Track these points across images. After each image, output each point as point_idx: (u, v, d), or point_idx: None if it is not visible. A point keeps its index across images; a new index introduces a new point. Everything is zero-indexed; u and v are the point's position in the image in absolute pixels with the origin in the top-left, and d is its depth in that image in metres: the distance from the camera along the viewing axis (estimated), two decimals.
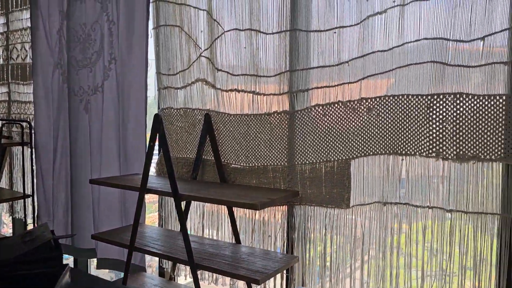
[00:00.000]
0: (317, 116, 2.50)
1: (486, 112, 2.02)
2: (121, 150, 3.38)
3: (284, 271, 2.70)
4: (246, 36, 2.73)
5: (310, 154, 2.53)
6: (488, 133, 2.02)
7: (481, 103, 2.02)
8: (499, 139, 1.99)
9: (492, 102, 2.00)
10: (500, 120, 1.99)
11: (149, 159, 2.61)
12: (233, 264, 2.40)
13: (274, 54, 2.65)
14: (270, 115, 2.67)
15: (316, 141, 2.51)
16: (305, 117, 2.54)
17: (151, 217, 4.41)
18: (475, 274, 2.09)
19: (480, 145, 2.04)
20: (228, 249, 2.68)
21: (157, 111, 3.25)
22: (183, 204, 2.94)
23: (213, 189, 2.61)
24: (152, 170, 3.29)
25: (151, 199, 4.13)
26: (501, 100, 1.98)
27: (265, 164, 2.71)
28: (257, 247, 2.80)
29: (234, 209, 2.85)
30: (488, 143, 2.02)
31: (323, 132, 2.48)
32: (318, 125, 2.50)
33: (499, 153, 1.99)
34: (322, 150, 2.49)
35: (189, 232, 3.16)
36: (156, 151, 3.07)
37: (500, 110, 1.98)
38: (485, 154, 2.02)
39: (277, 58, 2.64)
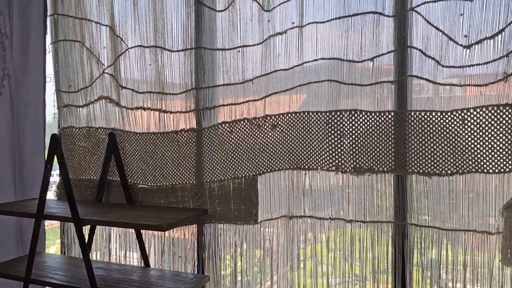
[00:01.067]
0: (224, 133, 2.51)
1: (378, 127, 2.17)
2: (17, 174, 3.12)
3: None
4: (151, 53, 2.69)
5: (218, 171, 2.54)
6: (380, 147, 2.17)
7: (373, 119, 2.17)
8: (390, 152, 2.15)
9: (382, 118, 2.16)
10: (390, 134, 2.15)
11: (45, 182, 2.43)
12: None
13: (180, 71, 2.63)
14: (177, 133, 2.63)
15: (223, 158, 2.51)
16: (212, 135, 2.54)
17: (58, 244, 4.10)
18: (374, 279, 2.22)
19: (374, 158, 2.18)
20: (136, 273, 2.57)
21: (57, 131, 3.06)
22: (87, 228, 2.78)
23: (119, 211, 2.50)
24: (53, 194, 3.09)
25: (56, 225, 3.85)
26: (390, 116, 2.14)
27: (174, 183, 2.66)
28: (167, 269, 2.72)
29: (142, 230, 2.75)
30: (381, 156, 2.17)
31: (230, 149, 2.50)
32: (225, 142, 2.51)
33: (390, 165, 2.15)
34: (230, 167, 2.50)
35: (95, 258, 2.99)
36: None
37: (390, 125, 2.15)
38: (378, 166, 2.17)
39: (183, 76, 2.62)
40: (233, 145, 2.49)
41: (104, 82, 2.85)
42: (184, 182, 2.63)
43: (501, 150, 1.96)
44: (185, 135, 2.61)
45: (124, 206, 2.70)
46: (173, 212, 2.45)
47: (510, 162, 1.95)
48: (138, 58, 2.73)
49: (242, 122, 2.46)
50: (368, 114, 2.18)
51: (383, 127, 2.16)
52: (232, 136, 2.49)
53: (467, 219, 2.05)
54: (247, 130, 2.45)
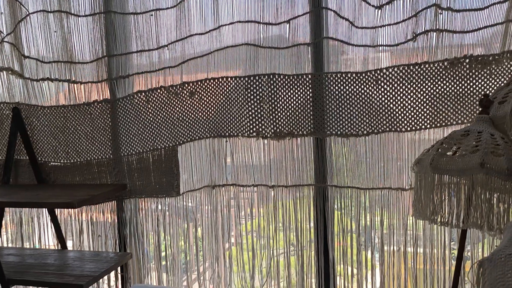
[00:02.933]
0: (140, 103, 2.38)
1: (296, 91, 2.15)
2: None
3: (119, 271, 2.54)
4: (55, 18, 2.46)
5: (136, 143, 2.41)
6: (299, 110, 2.16)
7: (291, 82, 2.15)
8: (309, 115, 2.15)
9: (300, 81, 2.14)
10: (308, 97, 2.14)
11: None
12: (56, 273, 2.15)
13: (89, 38, 2.44)
14: (90, 105, 2.45)
15: (141, 129, 2.39)
16: (127, 105, 2.39)
17: None
18: (298, 243, 2.24)
19: (293, 122, 2.16)
20: (51, 256, 2.41)
21: None
22: None
23: (28, 192, 2.30)
24: None
25: None
26: (307, 79, 2.13)
27: (88, 158, 2.49)
28: (87, 250, 2.57)
29: (57, 211, 2.57)
30: (300, 119, 2.16)
31: (147, 120, 2.37)
32: (142, 112, 2.38)
33: (309, 128, 2.15)
34: (148, 138, 2.38)
35: (5, 245, 2.76)
36: None
37: (307, 88, 2.14)
38: (298, 130, 2.16)
39: (92, 43, 2.43)
40: (150, 115, 2.37)
41: (4, 52, 2.58)
42: (100, 157, 2.47)
43: (412, 109, 2.02)
44: (98, 106, 2.44)
45: (34, 187, 2.49)
46: (87, 189, 2.30)
47: (421, 120, 2.02)
48: (42, 25, 2.49)
49: (158, 91, 2.34)
50: (286, 77, 2.15)
51: (301, 91, 2.15)
52: (149, 106, 2.36)
53: (383, 178, 2.11)
54: (164, 98, 2.34)
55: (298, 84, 2.14)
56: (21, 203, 2.10)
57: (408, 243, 2.13)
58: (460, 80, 1.94)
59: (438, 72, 1.96)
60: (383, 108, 2.05)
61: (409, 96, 2.02)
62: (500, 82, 1.89)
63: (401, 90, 2.02)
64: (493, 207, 1.56)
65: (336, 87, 2.10)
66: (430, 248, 2.08)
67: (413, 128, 2.03)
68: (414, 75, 1.99)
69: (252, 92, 2.20)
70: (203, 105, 2.29)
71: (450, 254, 2.06)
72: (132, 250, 2.47)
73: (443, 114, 1.98)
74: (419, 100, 2.01)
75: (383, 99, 2.05)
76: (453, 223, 1.65)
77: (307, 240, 2.23)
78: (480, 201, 1.57)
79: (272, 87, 2.18)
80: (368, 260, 2.17)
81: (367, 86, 2.06)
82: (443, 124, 1.99)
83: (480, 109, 1.66)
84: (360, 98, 2.07)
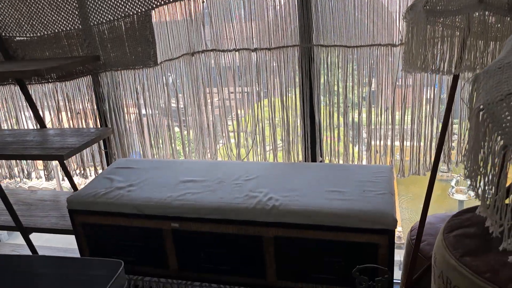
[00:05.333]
0: None
1: None
2: None
3: (103, 148, 2.50)
4: None
5: (106, 10, 2.20)
6: None
7: None
8: None
9: None
10: None
11: None
12: (36, 147, 2.09)
13: None
14: None
15: None
16: None
17: None
18: (283, 105, 2.16)
19: None
20: (31, 135, 2.33)
21: None
22: None
23: None
24: None
25: None
26: None
27: (56, 30, 2.30)
28: (67, 128, 2.50)
29: (30, 89, 2.44)
30: None
31: None
32: None
33: None
34: (118, 4, 2.17)
35: None
36: None
37: None
38: None
39: None
40: None
41: None
42: (68, 28, 2.28)
43: None
44: None
45: (1, 63, 2.33)
46: (58, 61, 2.15)
47: None
48: None
49: None
50: None
51: None
52: None
53: (372, 35, 1.98)
54: None
55: None
56: None
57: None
58: None
59: None
60: None
61: None
62: None
63: None
64: (489, 47, 1.46)
65: None
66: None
67: None
68: None
69: None
70: None
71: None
72: (113, 125, 2.40)
73: None
74: None
75: None
76: (445, 69, 1.56)
77: (293, 106, 2.16)
78: (476, 42, 1.47)
79: None
80: (354, 121, 2.12)
81: None
82: None
83: None
84: None
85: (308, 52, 2.04)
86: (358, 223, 1.55)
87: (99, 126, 2.43)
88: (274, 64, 2.11)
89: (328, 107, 2.12)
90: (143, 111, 2.37)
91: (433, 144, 2.04)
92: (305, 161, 2.22)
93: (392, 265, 1.56)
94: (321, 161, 2.22)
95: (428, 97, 2.01)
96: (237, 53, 2.14)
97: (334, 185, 1.76)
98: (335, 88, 2.09)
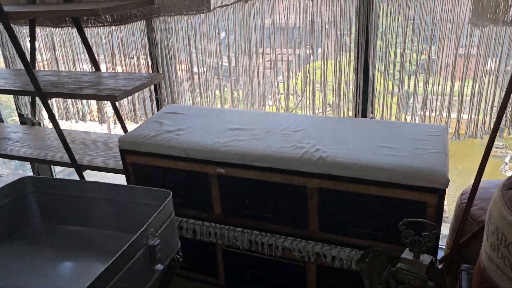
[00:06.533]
0: None
1: None
2: None
3: (153, 94, 2.54)
4: None
5: None
6: None
7: None
8: None
9: None
10: None
11: None
12: (91, 87, 2.15)
13: None
14: None
15: None
16: None
17: None
18: (336, 57, 2.09)
19: None
20: (86, 76, 2.40)
21: None
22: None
23: (52, 6, 2.20)
24: None
25: None
26: None
27: None
28: (120, 72, 2.55)
29: (87, 32, 2.49)
30: None
31: None
32: None
33: None
34: None
35: (42, 68, 2.79)
36: None
37: None
38: None
39: None
40: None
41: None
42: None
43: None
44: None
45: (60, 3, 2.38)
46: (114, 2, 2.16)
47: None
48: None
49: None
50: None
51: None
52: None
53: None
54: None
55: None
56: (46, 12, 2.01)
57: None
58: None
59: None
60: None
61: None
62: None
63: None
64: None
65: None
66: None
67: None
68: None
69: None
70: None
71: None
72: (165, 72, 2.42)
73: None
74: None
75: None
76: None
77: (346, 60, 2.08)
78: None
79: None
80: (411, 80, 2.02)
81: None
82: None
83: None
84: None
85: (367, 1, 1.94)
86: (407, 180, 1.50)
87: (151, 72, 2.46)
88: (330, 14, 2.02)
89: (384, 59, 2.02)
90: (194, 59, 2.37)
91: (494, 109, 1.92)
92: (355, 117, 2.16)
93: (440, 225, 1.52)
94: (371, 118, 2.15)
95: (492, 68, 1.87)
96: (291, 0, 2.07)
97: (384, 141, 1.70)
98: (393, 41, 1.98)
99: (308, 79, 2.19)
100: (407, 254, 1.34)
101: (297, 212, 1.72)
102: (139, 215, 1.01)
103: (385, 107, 2.12)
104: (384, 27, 1.97)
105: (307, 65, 2.16)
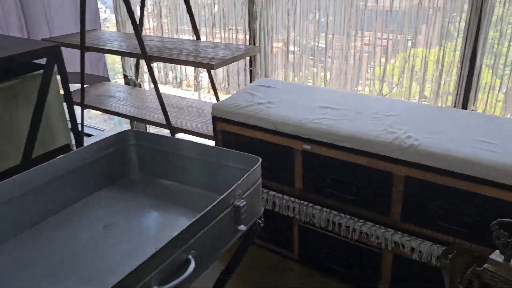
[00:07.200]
0: None
1: None
2: None
3: (248, 66, 2.60)
4: None
5: None
6: None
7: None
8: None
9: None
10: None
11: None
12: (190, 55, 2.26)
13: None
14: None
15: None
16: None
17: None
18: (440, 42, 1.97)
19: None
20: (187, 44, 2.52)
21: None
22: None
23: None
24: None
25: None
26: None
27: None
28: (219, 42, 2.64)
29: (192, 1, 2.60)
30: None
31: None
32: None
33: None
34: None
35: (148, 34, 2.97)
36: None
37: None
38: None
39: None
40: None
41: None
42: None
43: None
44: None
45: None
46: None
47: None
48: None
49: None
50: None
51: None
52: None
53: None
54: None
55: None
56: None
57: None
58: None
59: None
60: None
61: None
62: None
63: None
64: None
65: None
66: None
67: None
68: None
69: None
70: None
71: None
72: (261, 45, 2.46)
73: None
74: None
75: None
76: None
77: (452, 45, 1.95)
78: None
79: None
80: None
81: None
82: None
83: None
84: None
85: None
86: (505, 179, 1.40)
87: (248, 44, 2.51)
88: None
89: (493, 52, 1.87)
90: (291, 34, 2.37)
91: None
92: (455, 107, 2.04)
93: None
94: (473, 110, 2.01)
95: None
96: None
97: (485, 135, 1.59)
98: (508, 31, 1.82)
99: (407, 64, 2.09)
100: (496, 256, 1.26)
101: (379, 198, 1.68)
102: (228, 178, 1.06)
103: (489, 102, 1.97)
104: (499, 15, 1.82)
105: (407, 51, 2.07)
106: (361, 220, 1.76)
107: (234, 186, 0.97)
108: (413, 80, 2.11)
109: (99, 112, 4.19)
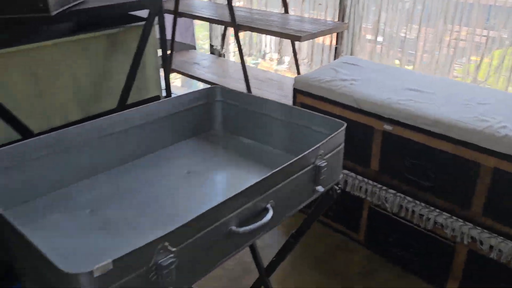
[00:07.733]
0: None
1: None
2: None
3: (334, 43, 2.56)
4: None
5: None
6: None
7: None
8: None
9: None
10: None
11: None
12: (278, 26, 2.27)
13: None
14: None
15: None
16: None
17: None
18: None
19: None
20: (276, 16, 2.53)
21: None
22: None
23: None
24: None
25: None
26: None
27: None
28: (307, 17, 2.62)
29: None
30: None
31: None
32: None
33: None
34: None
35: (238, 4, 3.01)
36: None
37: None
38: None
39: None
40: None
41: None
42: None
43: None
44: None
45: None
46: None
47: None
48: None
49: None
50: None
51: None
52: None
53: None
54: None
55: None
56: None
57: None
58: None
59: None
60: None
61: None
62: None
63: None
64: None
65: None
66: None
67: None
68: None
69: None
70: None
71: None
72: (350, 22, 2.40)
73: None
74: None
75: None
76: None
77: None
78: None
79: None
80: None
81: None
82: None
83: None
84: None
85: None
86: None
87: (337, 20, 2.47)
88: None
89: None
90: (383, 15, 2.30)
91: None
92: None
93: None
94: None
95: None
96: None
97: None
98: None
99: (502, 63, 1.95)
100: None
101: (461, 189, 1.60)
102: (310, 141, 1.06)
103: None
104: None
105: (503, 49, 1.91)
106: (437, 210, 1.68)
107: (318, 145, 0.97)
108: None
109: (179, 84, 4.36)
